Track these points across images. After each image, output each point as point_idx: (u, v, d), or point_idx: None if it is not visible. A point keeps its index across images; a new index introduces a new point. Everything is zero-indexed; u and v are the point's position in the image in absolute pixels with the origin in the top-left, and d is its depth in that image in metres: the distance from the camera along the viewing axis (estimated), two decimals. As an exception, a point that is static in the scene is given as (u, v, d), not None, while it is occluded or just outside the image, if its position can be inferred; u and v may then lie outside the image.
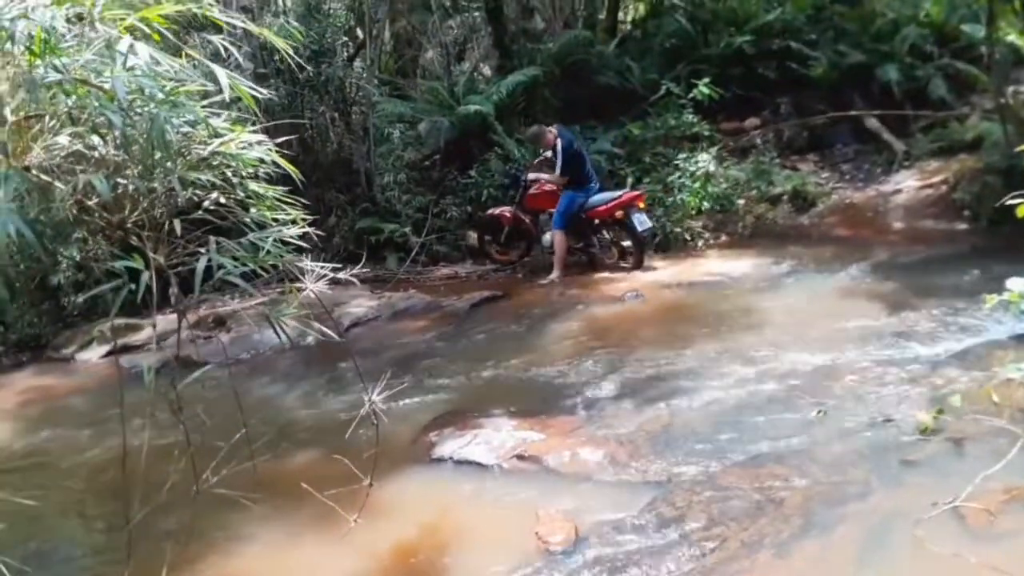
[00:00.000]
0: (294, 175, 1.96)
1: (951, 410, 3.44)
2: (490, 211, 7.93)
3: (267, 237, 1.80)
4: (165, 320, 3.21)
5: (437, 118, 8.61)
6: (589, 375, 4.60)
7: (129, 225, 1.72)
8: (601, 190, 7.37)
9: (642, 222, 7.09)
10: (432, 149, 8.74)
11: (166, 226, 1.74)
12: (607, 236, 7.42)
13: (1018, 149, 3.05)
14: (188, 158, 1.72)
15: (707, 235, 8.08)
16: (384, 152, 8.38)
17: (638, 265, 7.13)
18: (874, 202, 8.46)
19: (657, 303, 6.11)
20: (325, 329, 2.40)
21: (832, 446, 3.46)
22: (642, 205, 7.20)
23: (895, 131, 9.48)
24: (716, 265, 7.20)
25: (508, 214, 7.77)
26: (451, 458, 3.68)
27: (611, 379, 4.49)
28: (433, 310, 6.59)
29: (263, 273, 1.84)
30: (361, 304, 6.69)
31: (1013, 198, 3.04)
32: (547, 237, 7.48)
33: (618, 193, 7.32)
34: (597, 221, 7.28)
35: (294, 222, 1.93)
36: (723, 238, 8.18)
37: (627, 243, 7.30)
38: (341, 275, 2.27)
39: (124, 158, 1.67)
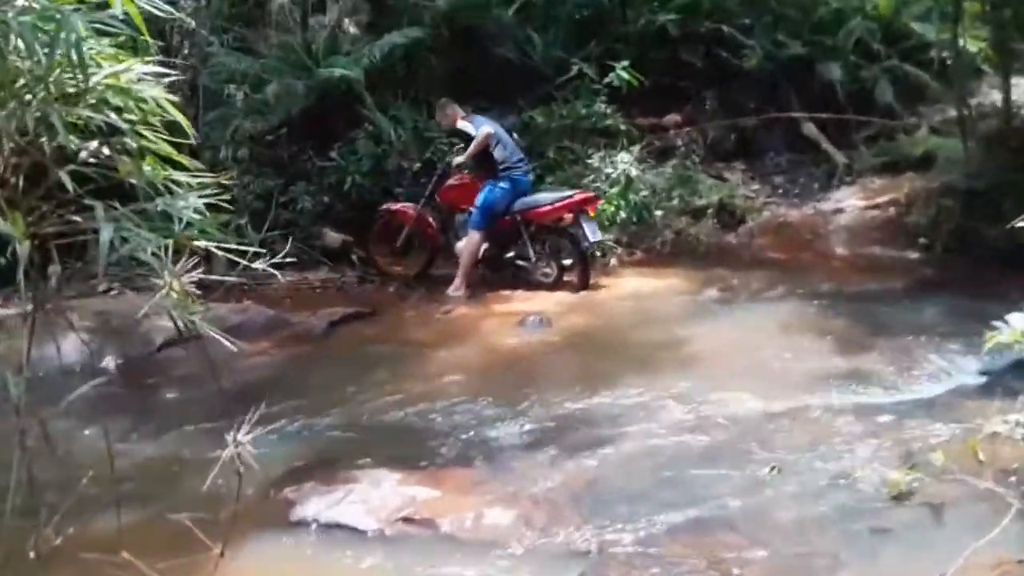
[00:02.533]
0: (187, 128, 1.79)
1: (926, 468, 3.59)
2: (387, 206, 7.79)
3: (183, 204, 1.63)
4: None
5: (289, 81, 8.39)
6: (490, 417, 4.54)
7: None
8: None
9: (594, 232, 7.13)
10: (281, 120, 8.54)
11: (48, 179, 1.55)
12: (544, 247, 7.30)
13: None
14: (51, 91, 1.53)
15: (620, 251, 8.22)
16: (217, 119, 8.10)
17: (584, 285, 7.11)
18: (812, 222, 8.89)
19: (566, 330, 6.16)
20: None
21: (791, 510, 3.54)
22: (592, 212, 7.24)
23: (836, 140, 10.04)
24: (633, 287, 7.35)
25: (411, 211, 7.61)
26: (317, 521, 3.51)
27: (518, 423, 4.46)
28: (278, 328, 6.40)
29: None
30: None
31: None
32: (460, 244, 7.36)
33: (567, 192, 7.33)
34: (533, 227, 7.22)
35: (203, 186, 1.76)
36: (638, 255, 8.37)
37: (565, 259, 7.24)
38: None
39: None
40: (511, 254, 7.39)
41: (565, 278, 7.22)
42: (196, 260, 1.84)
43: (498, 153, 7.21)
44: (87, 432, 4.62)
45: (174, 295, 1.77)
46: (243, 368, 5.67)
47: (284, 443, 4.33)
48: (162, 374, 5.68)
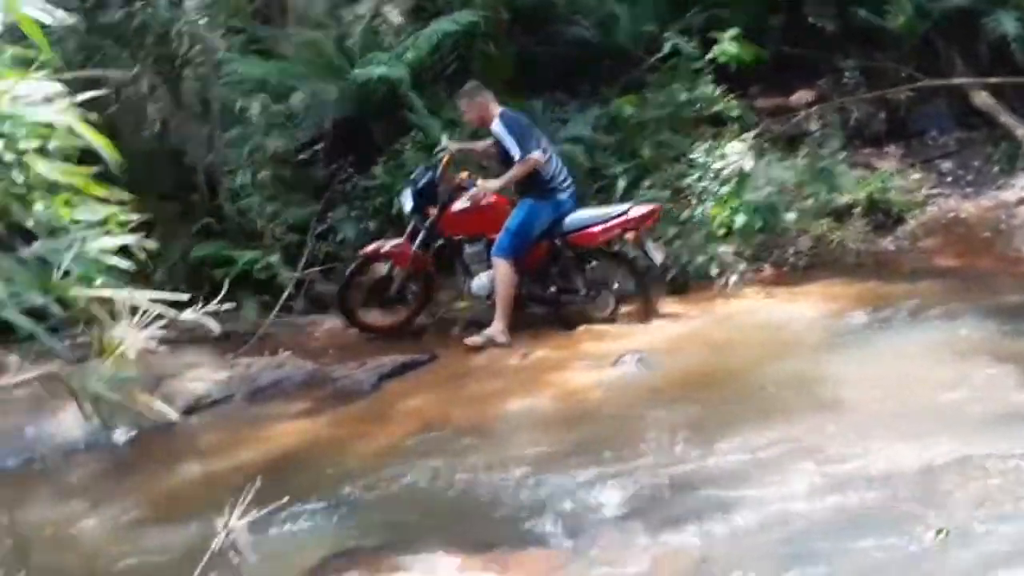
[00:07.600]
0: (108, 155, 1.81)
1: None
2: (370, 247, 7.65)
3: (66, 247, 1.66)
4: None
5: (320, 87, 8.55)
6: (572, 483, 4.52)
7: None
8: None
9: (659, 253, 7.22)
10: (313, 134, 8.73)
11: None
12: (586, 275, 7.34)
13: None
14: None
15: (742, 266, 8.11)
16: (237, 138, 8.34)
17: (649, 316, 7.20)
18: (992, 216, 8.72)
19: (672, 370, 6.13)
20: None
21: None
22: (650, 227, 7.28)
23: (1018, 111, 9.75)
24: (759, 311, 7.30)
25: (404, 251, 7.50)
26: (358, 621, 3.54)
27: (608, 489, 4.44)
28: (319, 384, 6.57)
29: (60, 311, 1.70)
30: (202, 376, 6.59)
31: None
32: (479, 281, 7.31)
33: (620, 207, 7.32)
34: (574, 252, 7.25)
35: (119, 225, 1.77)
36: (766, 270, 8.28)
37: (617, 288, 7.30)
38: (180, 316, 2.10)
39: None
40: (553, 288, 7.36)
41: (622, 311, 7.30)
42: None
43: (547, 169, 7.17)
44: (88, 521, 4.79)
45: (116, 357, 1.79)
46: (276, 435, 5.85)
47: (321, 524, 4.42)
48: (181, 446, 5.84)
